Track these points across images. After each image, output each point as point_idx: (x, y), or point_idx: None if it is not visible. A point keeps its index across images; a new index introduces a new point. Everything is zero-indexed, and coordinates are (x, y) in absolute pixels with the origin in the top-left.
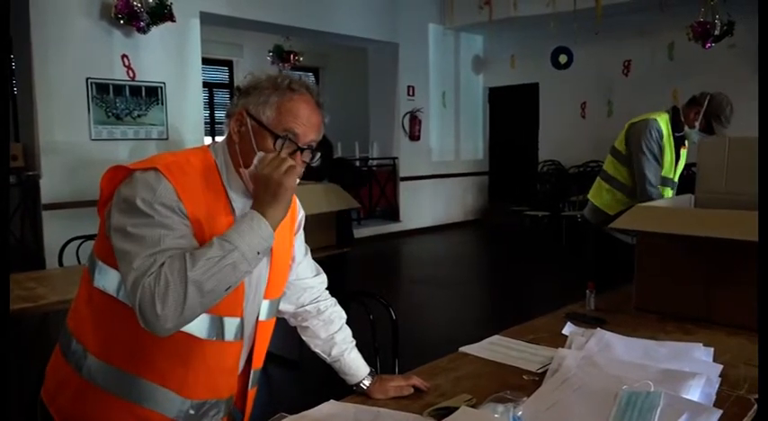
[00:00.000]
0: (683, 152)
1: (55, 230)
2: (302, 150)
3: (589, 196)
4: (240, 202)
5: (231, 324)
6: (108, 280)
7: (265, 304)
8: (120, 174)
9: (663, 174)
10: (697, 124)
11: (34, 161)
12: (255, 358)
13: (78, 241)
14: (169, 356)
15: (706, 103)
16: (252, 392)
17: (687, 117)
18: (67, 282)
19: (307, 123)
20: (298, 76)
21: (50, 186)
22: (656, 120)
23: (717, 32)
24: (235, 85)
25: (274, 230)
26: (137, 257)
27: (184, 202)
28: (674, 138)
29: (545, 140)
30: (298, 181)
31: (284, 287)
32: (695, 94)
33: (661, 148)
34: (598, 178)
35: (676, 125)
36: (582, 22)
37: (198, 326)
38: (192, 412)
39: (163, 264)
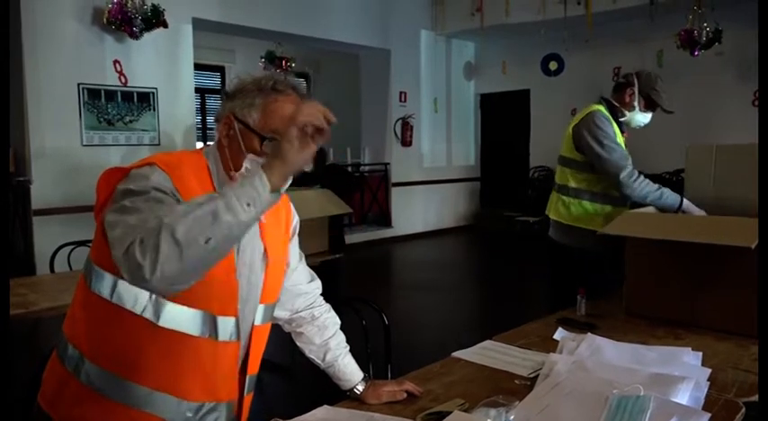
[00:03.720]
0: (622, 139)
1: (46, 236)
2: None
3: (553, 216)
4: None
5: (225, 323)
6: (103, 284)
7: (261, 308)
8: (116, 176)
9: None
10: (636, 104)
11: (25, 167)
12: (251, 363)
13: (69, 247)
14: (164, 357)
15: (636, 81)
16: (248, 398)
17: (623, 102)
18: (59, 288)
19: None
20: (283, 76)
21: (41, 192)
22: (598, 109)
23: (703, 40)
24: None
25: (273, 191)
26: (129, 220)
27: (180, 192)
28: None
29: (536, 146)
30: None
31: (280, 292)
32: (620, 80)
33: (614, 133)
34: (557, 196)
35: (614, 114)
36: (572, 30)
37: (190, 324)
38: (189, 415)
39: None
